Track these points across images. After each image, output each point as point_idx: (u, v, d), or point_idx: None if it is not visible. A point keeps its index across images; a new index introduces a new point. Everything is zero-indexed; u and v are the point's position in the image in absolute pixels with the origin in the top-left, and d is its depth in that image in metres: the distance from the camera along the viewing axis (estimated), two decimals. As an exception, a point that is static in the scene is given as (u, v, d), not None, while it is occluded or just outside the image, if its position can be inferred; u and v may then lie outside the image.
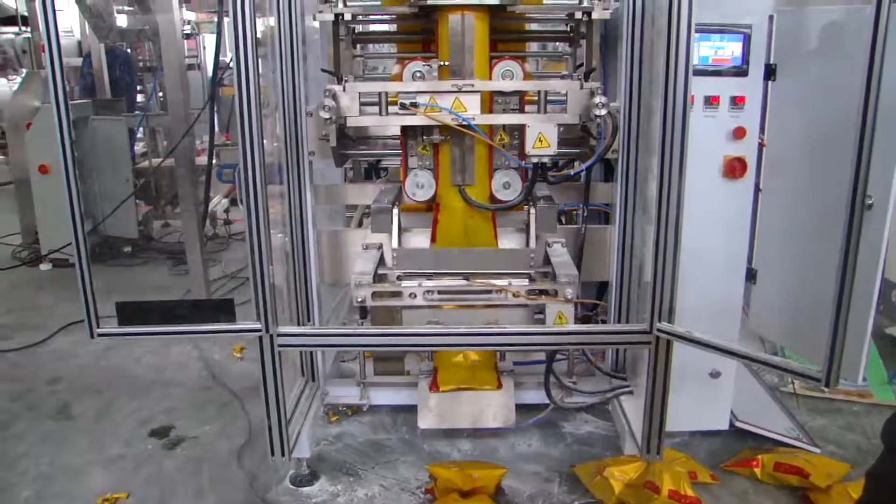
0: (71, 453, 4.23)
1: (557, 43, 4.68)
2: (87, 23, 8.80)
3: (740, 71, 3.55)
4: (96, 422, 4.57)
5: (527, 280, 3.57)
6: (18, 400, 4.86)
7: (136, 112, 8.79)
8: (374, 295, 3.49)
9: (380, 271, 3.66)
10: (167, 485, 3.94)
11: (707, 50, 3.53)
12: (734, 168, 3.62)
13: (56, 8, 2.83)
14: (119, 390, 4.96)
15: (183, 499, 3.82)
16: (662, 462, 3.60)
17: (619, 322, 4.09)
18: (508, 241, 3.93)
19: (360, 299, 3.48)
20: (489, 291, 3.51)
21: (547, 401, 4.19)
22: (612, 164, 4.07)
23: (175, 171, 6.26)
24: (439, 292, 3.53)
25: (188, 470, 4.06)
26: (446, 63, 3.56)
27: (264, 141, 3.05)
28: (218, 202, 8.61)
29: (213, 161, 6.84)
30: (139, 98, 10.11)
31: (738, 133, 3.60)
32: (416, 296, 3.50)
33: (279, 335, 3.29)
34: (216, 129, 7.41)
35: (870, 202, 3.07)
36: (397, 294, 3.50)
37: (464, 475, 3.66)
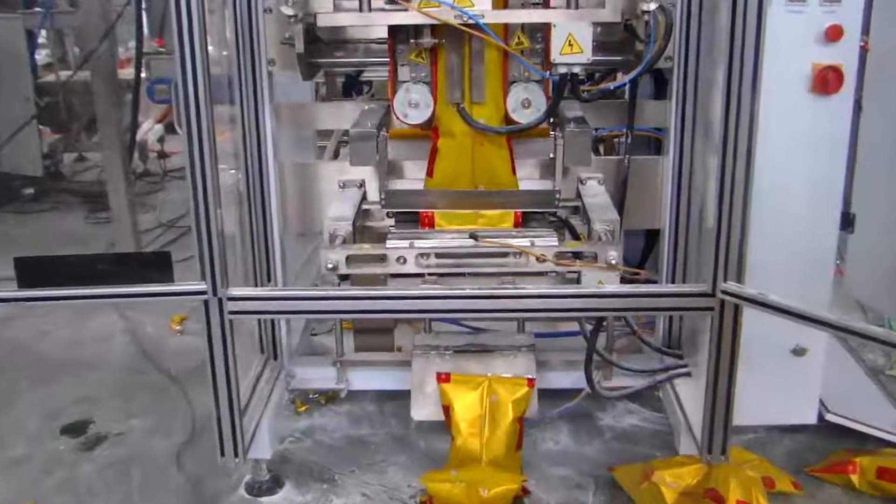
0: (-40, 454, 4.30)
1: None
2: None
3: (836, -52, 3.55)
4: (-8, 414, 4.66)
5: (554, 237, 3.62)
6: None
7: (37, 8, 8.74)
8: (351, 260, 3.55)
9: (362, 221, 3.70)
10: (84, 495, 4.01)
11: (790, -81, 3.53)
12: (826, 80, 3.62)
13: None
14: (21, 374, 5.03)
15: (106, 511, 3.91)
16: (729, 465, 3.66)
17: (672, 282, 4.14)
18: (528, 176, 3.98)
19: (330, 265, 3.54)
20: (504, 254, 3.56)
21: (578, 384, 4.25)
22: (665, 76, 4.08)
23: (91, 87, 6.27)
24: (437, 255, 3.58)
25: (111, 476, 4.13)
26: (447, -59, 3.57)
27: (209, 47, 3.07)
28: (149, 129, 8.64)
29: (143, 74, 6.85)
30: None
31: (833, 33, 3.60)
32: (405, 260, 3.55)
33: (230, 299, 3.35)
34: (145, 31, 7.42)
35: None
36: (381, 258, 3.56)
37: (470, 491, 3.73)
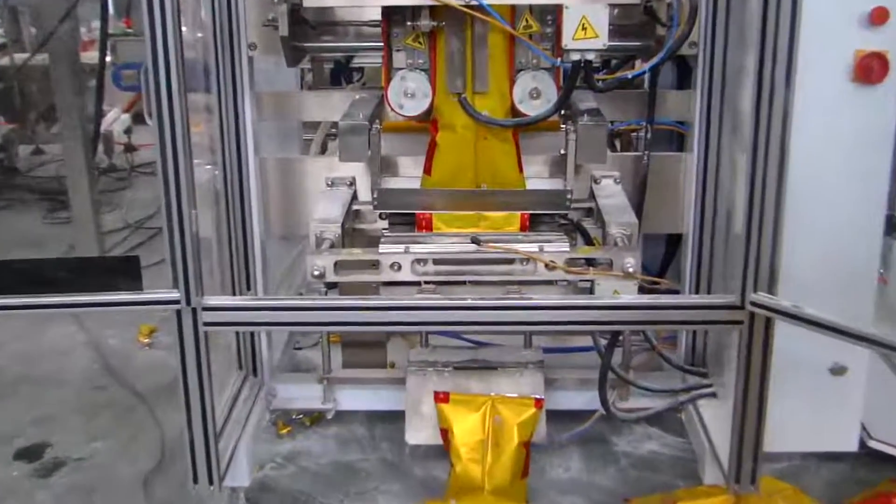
0: None
1: None
2: None
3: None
4: (-61, 436, 4.63)
5: (565, 242, 3.62)
6: None
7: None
8: (339, 266, 3.54)
9: (352, 223, 3.70)
10: (41, 527, 4.01)
11: None
12: (870, 68, 3.61)
13: None
14: (-29, 391, 5.02)
15: (66, 545, 3.90)
16: (759, 496, 3.64)
17: (696, 293, 4.14)
18: (536, 174, 3.97)
19: (316, 271, 3.53)
20: (510, 261, 3.56)
21: (592, 405, 4.25)
22: (689, 64, 4.08)
23: (50, 71, 6.26)
24: (435, 262, 3.58)
25: (72, 505, 4.13)
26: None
27: (183, 28, 3.07)
28: (115, 119, 8.63)
29: (108, 58, 6.85)
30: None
31: (878, 16, 3.59)
32: (400, 267, 3.55)
33: (206, 309, 3.34)
34: (110, 10, 7.42)
35: None
36: (372, 265, 3.55)
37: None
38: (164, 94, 3.07)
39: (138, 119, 8.73)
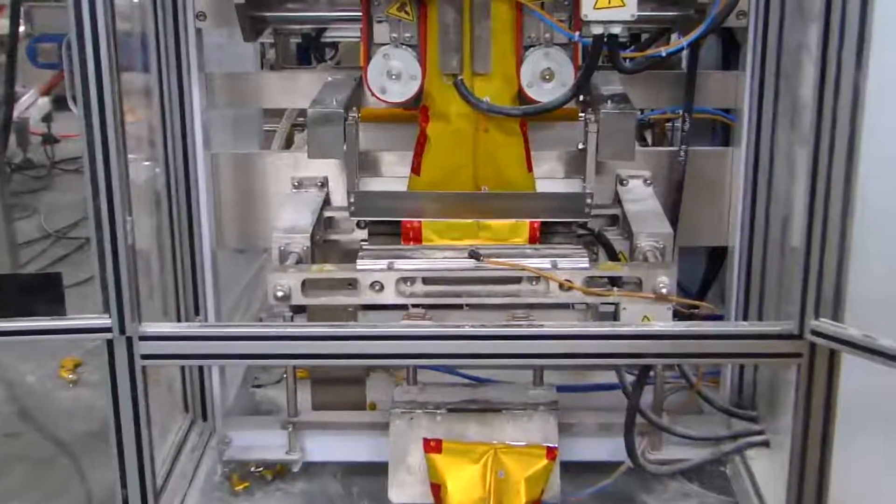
0: None
1: None
2: None
3: None
4: None
5: (584, 257, 3.62)
6: None
7: None
8: (308, 286, 3.54)
9: (324, 233, 3.70)
10: None
11: None
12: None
13: None
14: None
15: None
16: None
17: (744, 319, 4.14)
18: (549, 174, 3.98)
19: (280, 292, 3.53)
20: (517, 280, 3.56)
21: (616, 456, 4.24)
22: (737, 39, 4.08)
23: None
24: (425, 281, 3.58)
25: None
26: None
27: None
28: (30, 104, 8.62)
29: (21, 28, 6.85)
30: None
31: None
32: (382, 287, 3.55)
33: (143, 338, 3.34)
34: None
35: None
36: (349, 284, 3.56)
37: None
38: (92, 74, 3.05)
39: (60, 104, 8.71)
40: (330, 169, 4.08)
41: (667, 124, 4.82)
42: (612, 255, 3.89)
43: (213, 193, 4.17)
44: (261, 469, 4.54)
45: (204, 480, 4.07)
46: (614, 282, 3.56)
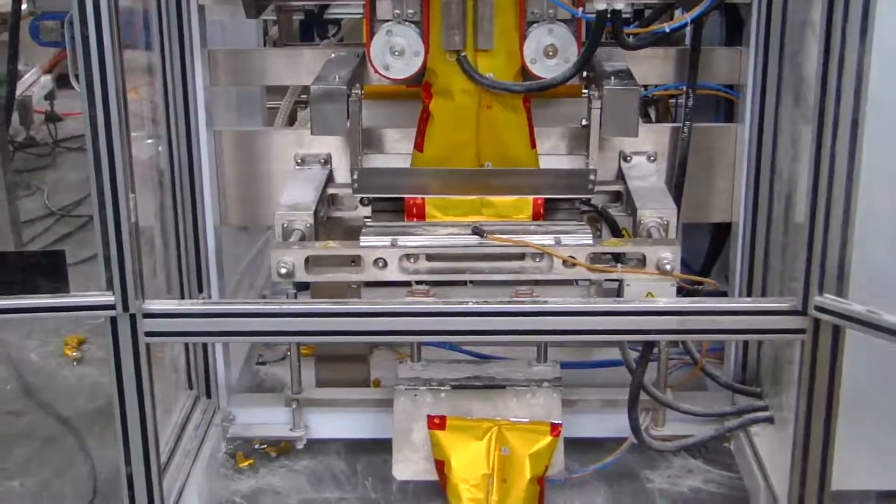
0: None
1: None
2: None
3: None
4: None
5: (588, 233, 3.63)
6: None
7: None
8: (312, 262, 3.54)
9: (327, 210, 3.70)
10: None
11: None
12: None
13: None
14: None
15: None
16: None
17: (748, 295, 4.15)
18: (552, 150, 3.97)
19: (283, 269, 3.53)
20: (521, 256, 3.57)
21: (620, 433, 4.25)
22: (741, 15, 4.07)
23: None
24: (428, 257, 3.58)
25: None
26: None
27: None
28: (33, 82, 8.60)
29: (23, 6, 6.84)
30: None
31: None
32: (385, 263, 3.55)
33: (147, 315, 3.33)
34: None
35: None
36: (352, 261, 3.56)
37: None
38: (95, 51, 3.03)
39: (63, 82, 8.69)
40: (333, 146, 4.08)
41: (670, 100, 4.81)
42: (616, 232, 3.89)
43: (217, 171, 4.18)
44: (265, 446, 4.55)
45: (208, 458, 4.08)
46: (618, 258, 3.56)
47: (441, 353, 4.49)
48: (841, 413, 3.36)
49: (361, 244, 3.56)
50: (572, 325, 3.43)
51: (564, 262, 3.50)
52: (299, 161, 4.06)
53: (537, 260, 3.54)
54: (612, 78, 3.79)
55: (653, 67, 4.24)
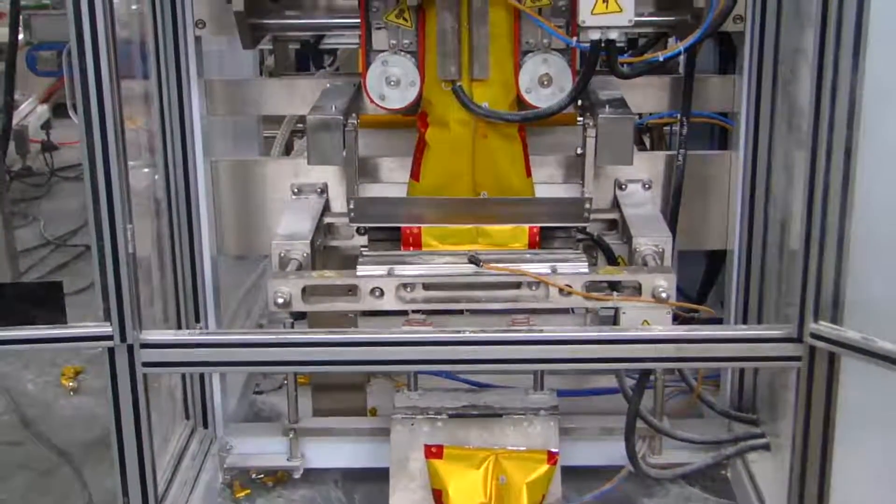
0: None
1: None
2: None
3: None
4: None
5: (583, 262, 3.63)
6: None
7: None
8: (309, 292, 3.55)
9: (324, 239, 3.70)
10: None
11: None
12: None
13: None
14: None
15: None
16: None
17: (744, 323, 4.15)
18: (548, 179, 3.98)
19: (280, 299, 3.54)
20: (517, 285, 3.57)
21: (617, 461, 4.25)
22: (734, 43, 4.09)
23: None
24: (425, 286, 3.58)
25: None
26: None
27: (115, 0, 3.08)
28: (30, 111, 8.61)
29: (20, 36, 6.85)
30: None
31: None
32: (382, 293, 3.55)
33: (144, 346, 3.34)
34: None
35: None
36: (349, 290, 3.56)
37: None
38: (92, 81, 3.06)
39: (59, 111, 8.71)
40: (330, 175, 4.08)
41: (665, 128, 4.83)
42: (612, 260, 3.89)
43: (213, 200, 4.18)
44: (262, 476, 4.55)
45: (205, 488, 4.07)
46: (614, 286, 3.56)
47: (438, 382, 4.48)
48: (837, 439, 3.37)
49: (358, 273, 3.57)
50: (569, 353, 3.44)
51: (561, 291, 3.50)
52: (296, 190, 4.07)
53: (534, 288, 3.54)
54: (607, 106, 3.80)
55: (647, 96, 4.25)
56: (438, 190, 3.89)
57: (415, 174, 3.92)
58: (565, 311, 3.71)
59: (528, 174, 3.93)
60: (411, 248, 3.85)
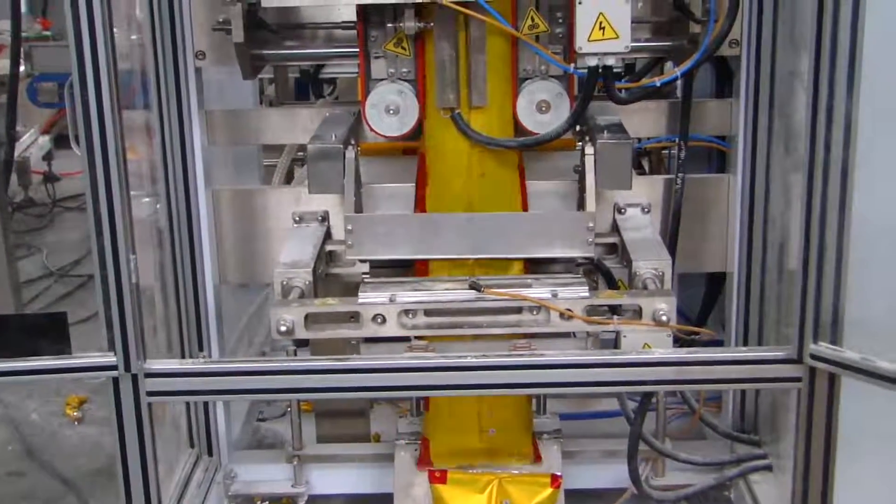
0: None
1: None
2: None
3: None
4: None
5: (584, 286, 3.64)
6: None
7: None
8: (311, 319, 3.55)
9: (326, 267, 3.70)
10: None
11: None
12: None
13: None
14: None
15: None
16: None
17: (744, 344, 4.16)
18: (548, 205, 3.99)
19: (283, 327, 3.54)
20: (518, 309, 3.58)
21: (620, 483, 4.25)
22: (730, 68, 4.11)
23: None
24: (427, 313, 3.59)
25: None
26: None
27: (115, 31, 3.10)
28: (31, 143, 8.62)
29: (21, 68, 6.86)
30: None
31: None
32: (384, 319, 3.56)
33: (148, 375, 3.35)
34: (23, 7, 7.43)
35: None
36: (351, 317, 3.57)
37: None
38: (94, 112, 3.08)
39: (61, 142, 8.71)
40: (331, 203, 4.09)
41: (663, 152, 4.84)
42: (612, 284, 3.90)
43: (215, 229, 4.19)
44: (267, 503, 4.55)
45: (210, 516, 4.09)
46: (614, 310, 3.56)
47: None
48: (840, 460, 3.37)
49: (360, 300, 3.57)
50: (571, 377, 3.45)
51: (562, 315, 3.50)
52: (297, 219, 4.07)
53: (535, 313, 3.54)
54: (605, 131, 3.81)
55: (645, 120, 4.27)
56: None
57: (419, 203, 3.93)
58: (566, 335, 3.72)
59: (524, 200, 3.94)
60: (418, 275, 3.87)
